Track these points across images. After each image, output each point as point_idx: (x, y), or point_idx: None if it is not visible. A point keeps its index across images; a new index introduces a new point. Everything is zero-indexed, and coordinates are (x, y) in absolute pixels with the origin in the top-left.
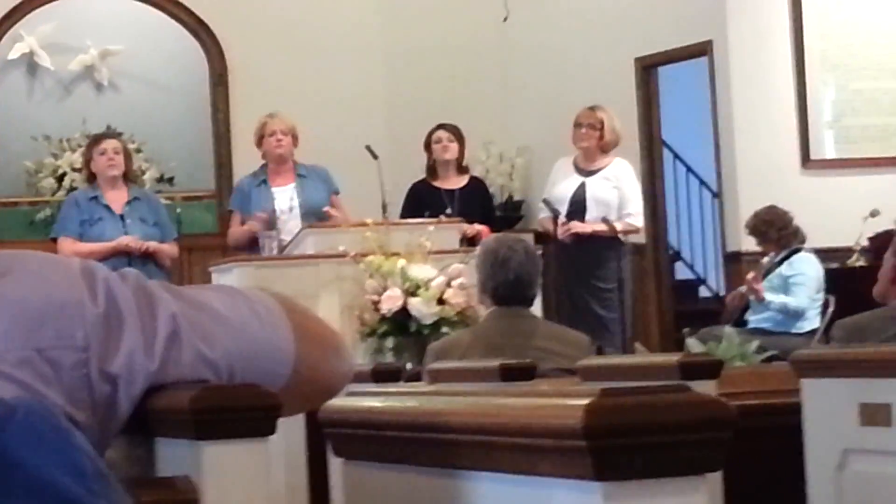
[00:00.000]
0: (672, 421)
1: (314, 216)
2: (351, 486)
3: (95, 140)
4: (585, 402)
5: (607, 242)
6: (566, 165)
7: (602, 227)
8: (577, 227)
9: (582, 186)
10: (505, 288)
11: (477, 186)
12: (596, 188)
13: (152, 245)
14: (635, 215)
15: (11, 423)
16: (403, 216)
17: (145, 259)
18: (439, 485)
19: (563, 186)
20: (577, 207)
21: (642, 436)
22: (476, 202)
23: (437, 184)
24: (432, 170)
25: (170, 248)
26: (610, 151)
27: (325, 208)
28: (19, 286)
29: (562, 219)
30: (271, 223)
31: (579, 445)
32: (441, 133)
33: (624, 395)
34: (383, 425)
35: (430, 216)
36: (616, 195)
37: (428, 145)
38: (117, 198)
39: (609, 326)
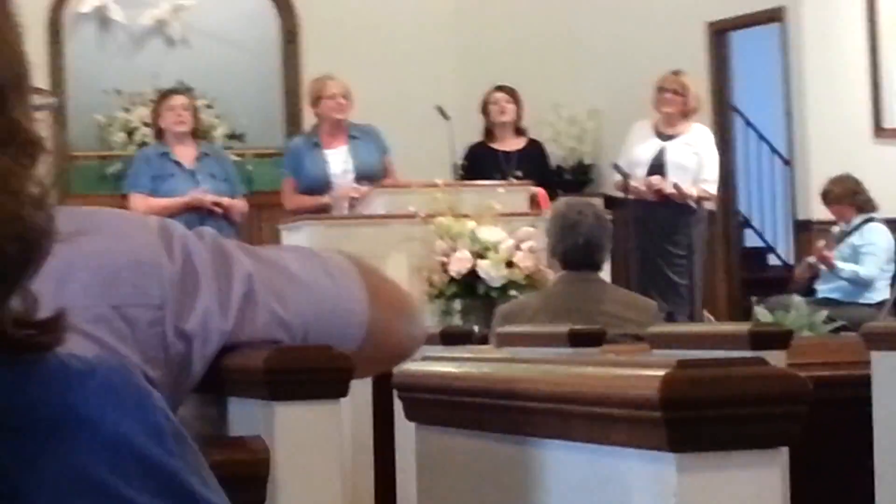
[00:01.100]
0: (748, 394)
1: (368, 179)
2: (423, 450)
3: (164, 96)
4: (662, 373)
5: (680, 208)
6: (645, 129)
7: (672, 192)
8: (658, 182)
9: (662, 151)
10: (574, 252)
11: (534, 148)
12: (676, 153)
13: (225, 200)
14: (711, 182)
15: (91, 380)
16: (461, 178)
17: (217, 215)
18: (512, 452)
19: (641, 149)
20: (656, 171)
21: (718, 408)
22: (534, 164)
23: (494, 146)
24: (489, 132)
25: (241, 204)
26: (691, 117)
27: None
28: (97, 243)
29: (634, 181)
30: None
31: (655, 416)
32: (498, 94)
33: (700, 367)
34: (457, 391)
35: (486, 178)
36: (694, 161)
37: (485, 107)
38: (187, 154)
39: (680, 292)
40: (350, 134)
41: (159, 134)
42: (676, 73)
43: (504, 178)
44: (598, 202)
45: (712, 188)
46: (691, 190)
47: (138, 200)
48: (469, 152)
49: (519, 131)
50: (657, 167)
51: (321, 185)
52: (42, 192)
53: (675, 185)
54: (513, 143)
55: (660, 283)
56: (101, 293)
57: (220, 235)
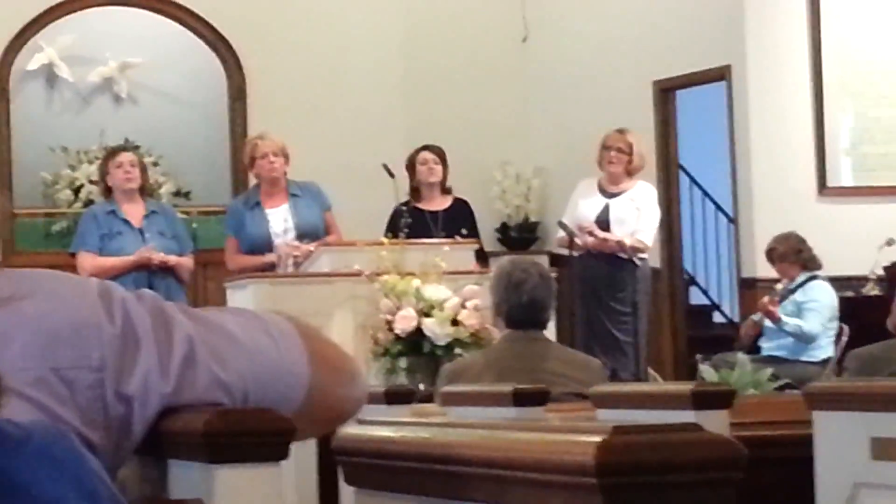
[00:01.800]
0: (683, 460)
1: (309, 236)
2: None
3: (111, 153)
4: (597, 439)
5: (623, 264)
6: (590, 187)
7: (610, 239)
8: (600, 235)
9: (606, 208)
10: (518, 311)
11: (461, 207)
12: (619, 209)
13: (172, 258)
14: (646, 233)
15: (27, 447)
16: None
17: (165, 272)
18: None
19: (586, 207)
20: (601, 228)
21: (653, 475)
22: (460, 223)
23: (421, 205)
24: (416, 191)
25: (188, 262)
26: (634, 175)
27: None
28: (36, 306)
29: (579, 239)
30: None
31: (590, 483)
32: (427, 154)
33: (635, 433)
34: (396, 455)
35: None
36: (636, 216)
37: (411, 166)
38: (135, 211)
39: (624, 349)
40: (290, 192)
41: (107, 191)
42: (621, 131)
43: (433, 237)
44: (544, 259)
45: (647, 239)
46: (625, 239)
47: (86, 259)
48: (395, 212)
49: (445, 190)
50: (602, 224)
51: (262, 245)
52: None
53: (607, 238)
54: (440, 202)
55: (604, 341)
56: (40, 356)
57: (160, 298)
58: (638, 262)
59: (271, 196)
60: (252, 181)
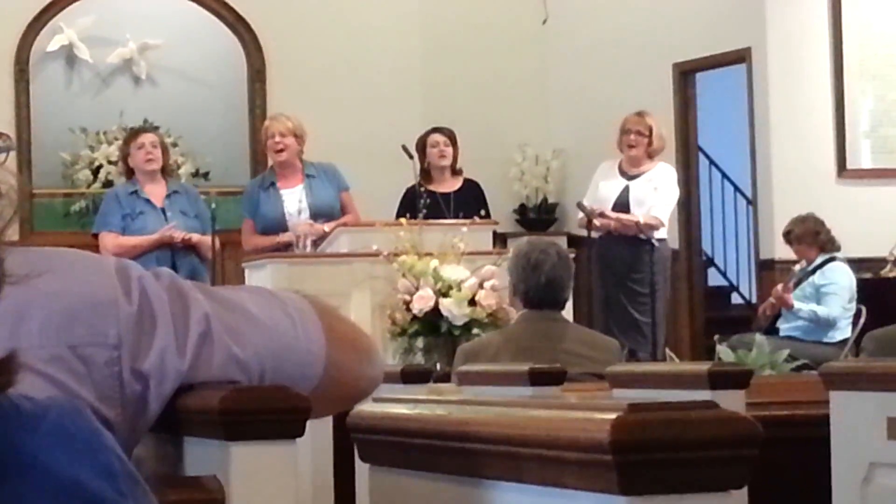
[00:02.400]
0: (699, 437)
1: (323, 217)
2: (377, 492)
3: (133, 134)
4: (612, 416)
5: (641, 245)
6: (611, 168)
7: (636, 218)
8: (615, 217)
9: (626, 190)
10: (536, 291)
11: (471, 189)
12: (638, 191)
13: (195, 236)
14: (658, 207)
15: (43, 422)
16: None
17: (188, 251)
18: (465, 494)
19: (606, 188)
20: (621, 210)
21: (668, 451)
22: (471, 205)
23: (432, 187)
24: (426, 173)
25: (209, 241)
26: (655, 157)
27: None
28: (53, 284)
29: (598, 220)
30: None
31: (605, 460)
32: (437, 137)
33: (651, 411)
34: (411, 433)
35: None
36: (655, 196)
37: (423, 148)
38: (157, 191)
39: (643, 330)
40: (306, 173)
41: (128, 172)
42: (640, 113)
43: (444, 218)
44: (562, 241)
45: (661, 214)
46: (638, 217)
47: (109, 239)
48: (406, 195)
49: (456, 172)
50: (621, 206)
51: (277, 225)
52: None
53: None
54: (450, 184)
55: (622, 322)
56: (57, 333)
57: (177, 276)
58: (656, 243)
59: (286, 177)
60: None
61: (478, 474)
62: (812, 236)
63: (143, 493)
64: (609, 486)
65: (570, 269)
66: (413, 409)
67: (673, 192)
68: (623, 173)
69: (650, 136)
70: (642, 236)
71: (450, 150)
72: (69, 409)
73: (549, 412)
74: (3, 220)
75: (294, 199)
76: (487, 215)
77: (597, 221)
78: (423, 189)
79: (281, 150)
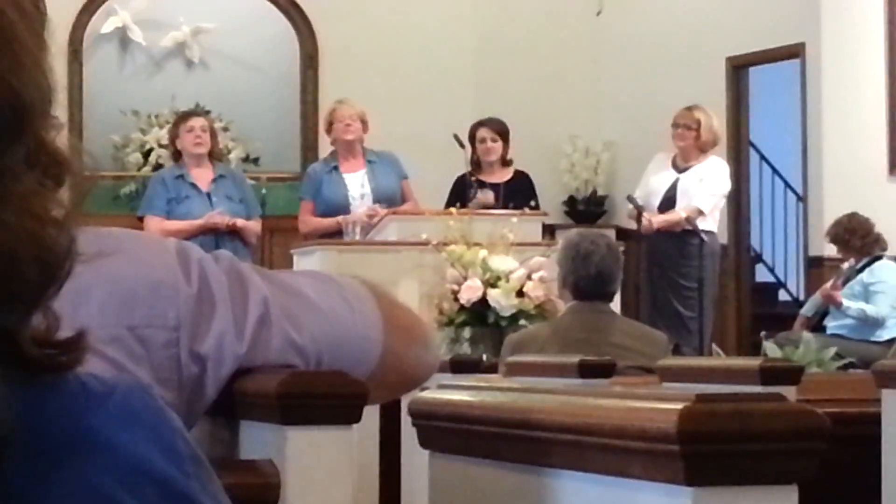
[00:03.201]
0: (766, 430)
1: (386, 202)
2: (437, 478)
3: (182, 118)
4: (680, 406)
5: (690, 239)
6: (664, 161)
7: (678, 216)
8: (655, 221)
9: (675, 182)
10: (586, 282)
11: (522, 180)
12: (686, 183)
13: (239, 221)
14: (700, 197)
15: (109, 401)
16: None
17: (232, 235)
18: (527, 481)
19: (657, 181)
20: (669, 202)
21: (735, 443)
22: (521, 196)
23: (482, 177)
24: (477, 163)
25: (255, 225)
26: (708, 151)
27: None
28: (115, 265)
29: (647, 213)
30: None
31: (672, 450)
32: (484, 132)
33: (718, 402)
34: (473, 420)
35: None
36: (701, 187)
37: (472, 140)
38: (203, 176)
39: (688, 325)
40: (367, 159)
41: (176, 155)
42: (690, 108)
43: (494, 209)
44: (611, 233)
45: (703, 205)
46: (680, 213)
47: (153, 223)
48: (457, 183)
49: (506, 163)
50: (670, 198)
51: (340, 208)
52: (65, 214)
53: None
54: (500, 175)
55: (668, 316)
56: (117, 314)
57: (236, 259)
58: (705, 237)
59: (348, 161)
60: (324, 148)
61: (540, 462)
62: (843, 243)
63: (207, 474)
64: (675, 476)
65: (619, 261)
66: (476, 397)
67: (719, 184)
68: (675, 167)
69: (698, 129)
70: (689, 227)
71: (497, 145)
72: (136, 388)
73: (614, 401)
74: (78, 197)
75: (357, 184)
76: (537, 207)
77: (645, 216)
78: (473, 179)
79: (350, 131)
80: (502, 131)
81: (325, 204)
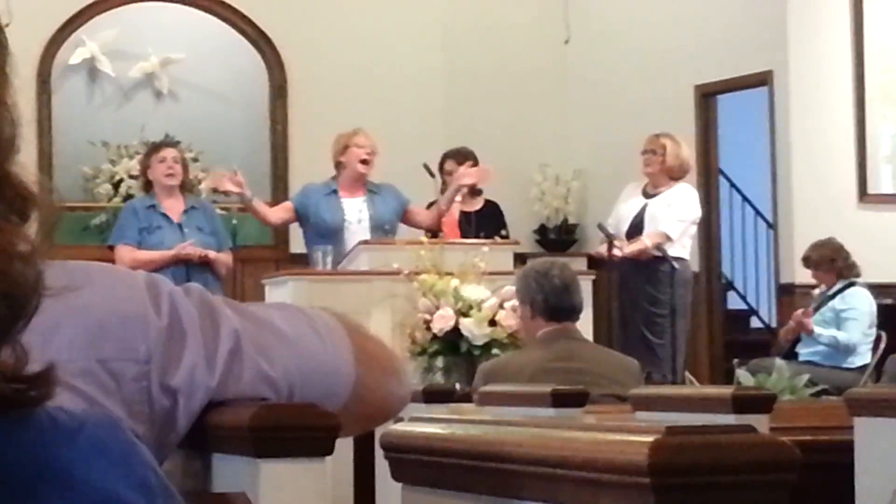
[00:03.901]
0: (737, 462)
1: (382, 231)
2: None
3: (154, 148)
4: (650, 438)
5: (661, 266)
6: (635, 189)
7: (643, 245)
8: (626, 251)
9: (643, 209)
10: (554, 295)
11: (491, 209)
12: (654, 209)
13: (211, 253)
14: (667, 223)
15: (80, 435)
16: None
17: (203, 267)
18: None
19: (626, 208)
20: (637, 229)
21: (707, 475)
22: (491, 225)
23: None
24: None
25: (226, 257)
26: (679, 177)
27: None
28: (84, 297)
29: (618, 241)
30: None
31: (643, 482)
32: (452, 163)
33: (689, 434)
34: (445, 452)
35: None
36: (669, 213)
37: (441, 170)
38: (174, 206)
39: (658, 352)
40: (368, 188)
41: (147, 186)
42: (657, 135)
43: (465, 238)
44: (581, 261)
45: (670, 230)
46: (645, 241)
47: (124, 252)
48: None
49: (475, 192)
50: (637, 224)
51: (334, 231)
52: (32, 248)
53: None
54: (470, 204)
55: (639, 344)
56: (87, 347)
57: (207, 292)
58: (676, 265)
59: (351, 188)
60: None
61: (513, 495)
62: (828, 263)
63: None
64: None
65: (577, 278)
66: (447, 429)
67: (687, 210)
68: (645, 193)
69: (663, 154)
70: (658, 254)
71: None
72: (106, 423)
73: (586, 434)
74: (45, 230)
75: (355, 209)
76: (507, 236)
77: (617, 244)
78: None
79: (366, 161)
80: (471, 161)
81: (320, 225)
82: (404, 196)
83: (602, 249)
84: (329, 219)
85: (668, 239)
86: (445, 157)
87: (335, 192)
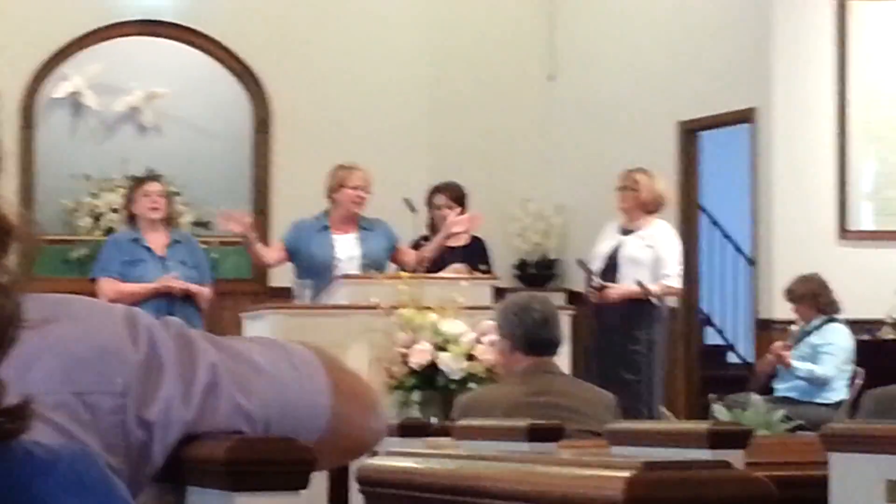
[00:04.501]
0: (714, 497)
1: (374, 267)
2: None
3: (139, 182)
4: (627, 474)
5: (643, 305)
6: (613, 226)
7: (635, 290)
8: (611, 293)
9: (619, 245)
10: (534, 330)
11: (478, 245)
12: (630, 247)
13: (193, 287)
14: (672, 276)
15: (55, 470)
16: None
17: (186, 301)
18: None
19: (603, 245)
20: (611, 265)
21: None
22: (475, 260)
23: None
24: (433, 227)
25: (207, 292)
26: (654, 213)
27: None
28: (61, 330)
29: (594, 278)
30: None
31: None
32: (439, 199)
33: (666, 469)
34: (421, 487)
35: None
36: (650, 255)
37: (429, 204)
38: (158, 240)
39: (635, 388)
40: (360, 225)
41: (130, 219)
42: (631, 170)
43: (482, 271)
44: (561, 297)
45: (675, 282)
46: (652, 286)
47: (107, 285)
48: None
49: None
50: (612, 258)
51: (323, 268)
52: (10, 280)
53: (639, 283)
54: (456, 240)
55: (615, 379)
56: (63, 380)
57: (185, 325)
58: (657, 303)
59: (342, 224)
60: (276, 211)
61: None
62: (812, 298)
63: None
64: None
65: (557, 312)
66: (423, 464)
67: (675, 254)
68: (621, 230)
69: (637, 190)
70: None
71: (452, 212)
72: (81, 456)
73: (563, 469)
74: (24, 264)
75: (346, 246)
76: (489, 271)
77: (594, 282)
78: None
79: (359, 202)
80: (459, 196)
81: (310, 261)
82: (395, 234)
83: (587, 284)
84: (319, 255)
85: (676, 292)
86: (436, 190)
87: (326, 227)
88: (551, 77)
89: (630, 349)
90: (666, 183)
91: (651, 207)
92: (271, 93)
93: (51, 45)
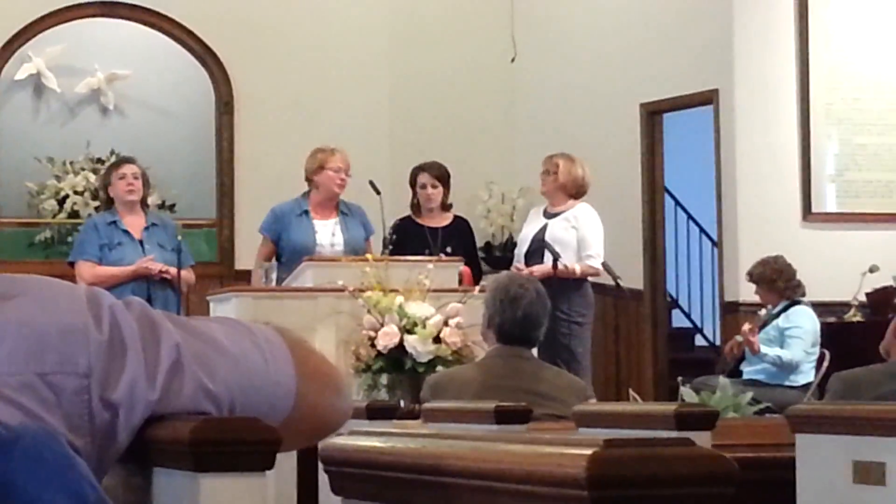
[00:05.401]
0: (675, 474)
1: (353, 253)
2: None
3: (115, 164)
4: (589, 451)
5: (563, 283)
6: (537, 211)
7: (555, 268)
8: (535, 270)
9: (543, 228)
10: (511, 325)
11: (461, 226)
12: (553, 229)
13: (173, 269)
14: (595, 257)
15: (16, 449)
16: (390, 252)
17: (164, 283)
18: None
19: (528, 228)
20: (537, 247)
21: (645, 488)
22: (460, 240)
23: (421, 221)
24: (416, 207)
25: (187, 274)
26: (577, 197)
27: None
28: (24, 310)
29: (517, 262)
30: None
31: (581, 495)
32: (424, 178)
33: (627, 447)
34: (385, 466)
35: (412, 253)
36: (573, 236)
37: (413, 185)
38: (136, 223)
39: (577, 357)
40: (340, 209)
41: (108, 202)
42: (551, 155)
43: (431, 253)
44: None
45: (596, 262)
46: (574, 266)
47: (85, 268)
48: (396, 227)
49: (446, 207)
50: (538, 243)
51: (305, 252)
52: None
53: (555, 261)
54: (440, 220)
55: (556, 349)
56: (26, 360)
57: (148, 305)
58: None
59: (322, 208)
60: (240, 194)
61: None
62: (768, 282)
63: None
64: None
65: (546, 308)
66: (387, 443)
67: (597, 234)
68: (545, 213)
69: (556, 173)
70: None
71: (437, 191)
72: (43, 436)
73: (525, 447)
74: None
75: (327, 232)
76: (474, 252)
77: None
78: (401, 223)
79: (342, 185)
80: (442, 176)
81: (291, 246)
82: (370, 226)
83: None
84: (300, 241)
85: (598, 272)
86: (419, 169)
87: (307, 212)
88: (514, 59)
89: (563, 320)
90: (586, 168)
91: (571, 191)
92: (234, 75)
93: (11, 26)
